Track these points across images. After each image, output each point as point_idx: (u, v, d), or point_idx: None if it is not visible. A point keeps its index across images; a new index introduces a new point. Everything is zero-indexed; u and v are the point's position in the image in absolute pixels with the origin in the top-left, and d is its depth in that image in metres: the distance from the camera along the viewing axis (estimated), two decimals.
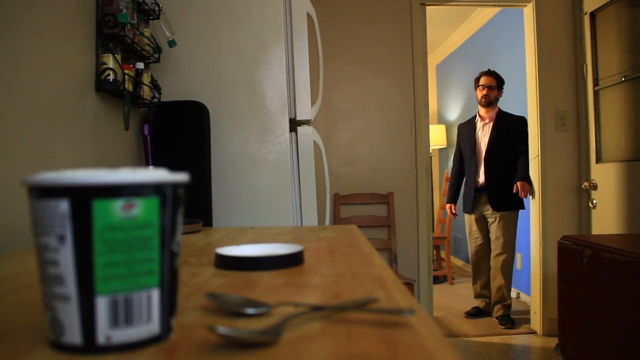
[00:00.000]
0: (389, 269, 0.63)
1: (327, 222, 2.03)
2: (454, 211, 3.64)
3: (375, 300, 0.45)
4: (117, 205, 0.33)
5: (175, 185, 0.37)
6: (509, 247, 3.30)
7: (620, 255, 1.72)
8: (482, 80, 3.44)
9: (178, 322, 0.41)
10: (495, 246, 3.32)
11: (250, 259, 0.64)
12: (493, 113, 3.41)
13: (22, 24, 1.07)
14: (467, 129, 3.55)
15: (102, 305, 0.33)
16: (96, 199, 0.33)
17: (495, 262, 3.33)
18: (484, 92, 3.40)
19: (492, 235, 3.35)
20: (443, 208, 4.89)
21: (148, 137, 1.67)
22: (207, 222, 1.64)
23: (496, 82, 3.41)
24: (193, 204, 1.60)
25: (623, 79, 2.79)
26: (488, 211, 3.33)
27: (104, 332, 0.33)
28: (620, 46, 2.85)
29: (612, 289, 1.77)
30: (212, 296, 0.44)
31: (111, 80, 1.38)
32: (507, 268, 3.32)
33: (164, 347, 0.35)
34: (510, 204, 3.27)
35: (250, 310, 0.42)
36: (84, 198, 0.33)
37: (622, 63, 2.82)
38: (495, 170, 3.31)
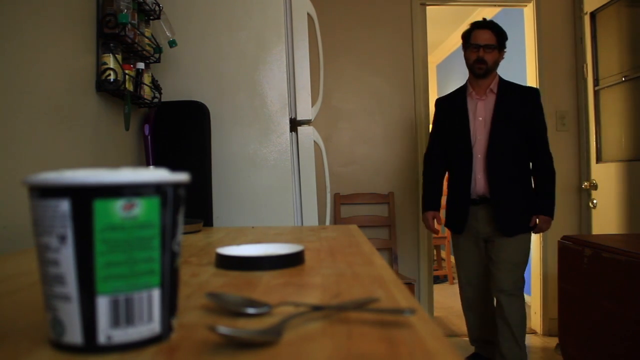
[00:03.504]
0: (389, 269, 0.63)
1: (327, 222, 2.03)
2: (438, 223, 2.49)
3: (375, 300, 0.45)
4: (118, 205, 0.33)
5: (175, 185, 0.37)
6: (521, 284, 2.30)
7: (620, 255, 1.72)
8: (476, 37, 2.26)
9: (179, 321, 0.41)
10: (503, 284, 2.26)
11: (251, 258, 0.64)
12: (493, 83, 2.27)
13: (22, 24, 1.07)
14: (452, 108, 2.35)
15: (102, 305, 0.33)
16: (97, 199, 0.33)
17: (503, 309, 2.26)
18: (479, 54, 2.23)
19: (497, 269, 2.26)
20: (443, 208, 4.88)
21: (148, 137, 1.67)
22: (208, 222, 1.64)
23: (496, 40, 2.25)
24: (193, 204, 1.60)
25: (623, 78, 2.79)
26: (489, 233, 2.28)
27: (105, 331, 0.33)
28: (620, 46, 2.85)
29: (612, 288, 1.77)
30: (212, 296, 0.44)
31: (112, 80, 1.38)
32: (522, 318, 2.29)
33: (164, 347, 0.35)
34: (524, 224, 2.27)
35: (250, 310, 0.42)
36: (84, 198, 0.33)
37: (623, 63, 2.81)
38: (501, 174, 2.22)
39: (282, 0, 1.78)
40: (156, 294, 0.35)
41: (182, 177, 0.37)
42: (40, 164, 1.13)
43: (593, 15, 3.04)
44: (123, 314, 0.34)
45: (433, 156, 2.46)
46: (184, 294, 0.51)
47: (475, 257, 2.38)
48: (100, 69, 1.38)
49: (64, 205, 0.33)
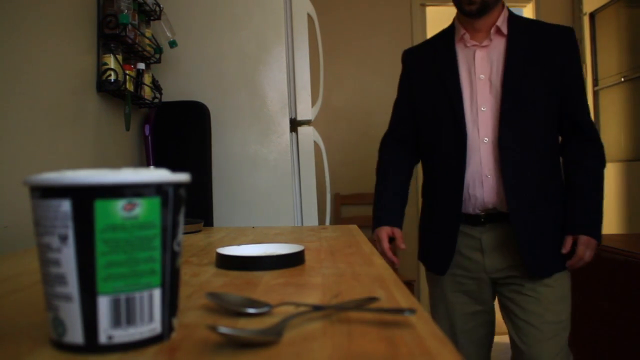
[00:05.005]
0: (389, 269, 0.63)
1: (327, 222, 2.03)
2: (398, 246, 1.48)
3: (375, 299, 0.45)
4: (119, 206, 0.33)
5: (176, 186, 0.37)
6: None
7: (620, 255, 1.72)
8: None
9: (179, 321, 0.41)
10: None
11: (251, 258, 0.64)
12: (501, 20, 1.37)
13: (23, 25, 1.08)
14: (430, 63, 1.45)
15: (104, 305, 0.33)
16: (98, 199, 0.33)
17: None
18: None
19: (527, 335, 1.34)
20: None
21: (149, 137, 1.67)
22: (208, 221, 1.64)
23: None
24: (194, 204, 1.60)
25: (622, 79, 2.79)
26: (505, 273, 1.37)
27: (106, 331, 0.34)
28: (619, 46, 2.85)
29: (612, 288, 1.77)
30: (213, 296, 0.44)
31: (112, 80, 1.38)
32: None
33: (165, 347, 0.35)
34: (562, 257, 1.34)
35: (251, 310, 0.42)
36: (85, 198, 0.33)
37: (622, 63, 2.82)
38: (526, 172, 1.32)
39: (282, 1, 1.78)
40: (157, 293, 0.35)
41: (183, 177, 0.37)
42: (41, 164, 1.14)
43: (592, 15, 3.05)
44: (124, 314, 0.34)
45: (394, 143, 1.53)
46: (185, 293, 0.51)
47: (476, 317, 1.42)
48: (101, 70, 1.38)
49: (65, 206, 0.33)
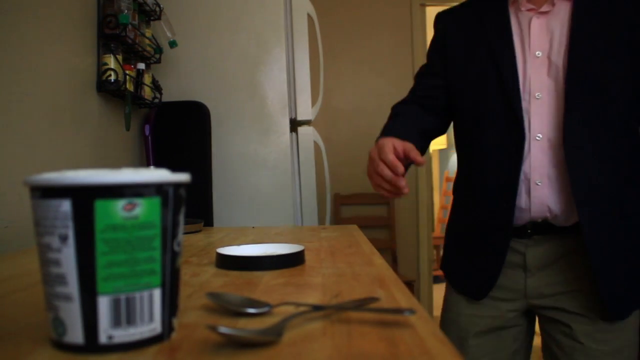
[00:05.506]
0: (389, 269, 0.63)
1: (327, 222, 2.03)
2: (413, 162, 0.95)
3: (375, 299, 0.45)
4: (119, 206, 0.33)
5: (176, 185, 0.37)
6: None
7: None
8: None
9: (179, 321, 0.41)
10: None
11: (251, 258, 0.65)
12: None
13: (23, 25, 1.08)
14: (474, 29, 1.11)
15: (104, 305, 0.33)
16: (98, 199, 0.33)
17: None
18: None
19: None
20: (444, 208, 4.88)
21: (149, 137, 1.67)
22: (208, 221, 1.64)
23: None
24: (194, 204, 1.60)
25: None
26: (549, 304, 1.04)
27: (106, 331, 0.34)
28: None
29: None
30: (213, 296, 0.44)
31: (112, 80, 1.38)
32: None
33: (165, 347, 0.35)
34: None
35: (251, 310, 0.43)
36: (86, 198, 0.33)
37: None
38: (599, 175, 0.98)
39: (282, 1, 1.78)
40: (157, 293, 0.36)
41: (183, 177, 0.37)
42: (41, 164, 1.14)
43: None
44: (124, 314, 0.34)
45: (414, 105, 1.20)
46: (185, 293, 0.51)
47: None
48: (101, 70, 1.38)
49: (65, 206, 0.33)
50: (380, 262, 0.68)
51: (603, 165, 0.98)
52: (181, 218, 0.38)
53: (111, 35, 1.39)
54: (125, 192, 0.33)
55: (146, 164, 1.69)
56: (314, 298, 0.48)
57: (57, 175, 0.34)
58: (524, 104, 1.02)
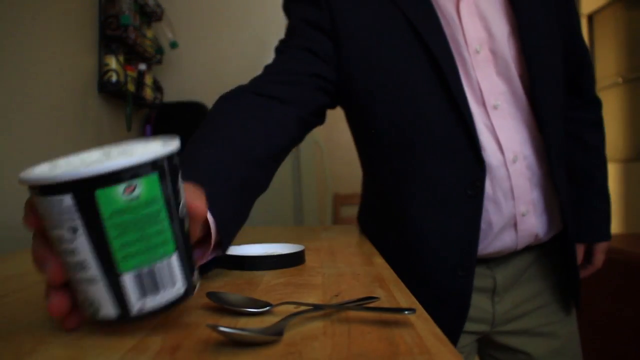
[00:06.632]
0: (389, 269, 0.63)
1: (327, 222, 2.04)
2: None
3: (375, 299, 0.45)
4: (119, 190, 0.33)
5: (169, 157, 0.37)
6: None
7: (620, 255, 1.72)
8: None
9: (180, 321, 0.41)
10: None
11: (252, 258, 0.65)
12: None
13: (25, 26, 1.08)
14: (385, 13, 0.75)
15: (128, 281, 0.35)
16: (98, 189, 0.33)
17: None
18: None
19: None
20: None
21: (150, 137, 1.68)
22: None
23: None
24: None
25: (621, 80, 2.79)
26: (510, 327, 0.87)
27: (136, 303, 0.35)
28: (618, 48, 2.85)
29: (611, 289, 1.77)
30: (213, 295, 0.44)
31: (114, 81, 1.38)
32: None
33: (166, 346, 0.35)
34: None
35: (251, 310, 0.43)
36: (86, 191, 0.33)
37: (620, 64, 2.82)
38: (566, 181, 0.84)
39: (282, 1, 1.79)
40: (174, 259, 0.37)
41: (174, 145, 0.37)
42: None
43: (590, 17, 3.05)
44: (149, 285, 0.35)
45: (255, 96, 0.76)
46: None
47: None
48: (103, 70, 1.39)
49: (67, 200, 0.33)
50: (380, 262, 0.68)
51: (565, 169, 0.86)
52: (180, 184, 0.38)
53: (112, 36, 1.39)
54: (122, 177, 0.33)
55: None
56: (314, 298, 0.49)
57: (49, 170, 0.33)
58: (481, 119, 0.77)
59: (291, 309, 0.43)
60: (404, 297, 0.49)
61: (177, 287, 0.37)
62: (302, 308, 0.42)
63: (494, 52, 0.77)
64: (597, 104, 0.97)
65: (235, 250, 0.72)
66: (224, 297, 0.45)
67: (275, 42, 0.94)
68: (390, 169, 0.82)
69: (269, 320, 0.40)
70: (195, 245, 0.49)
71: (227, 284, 0.56)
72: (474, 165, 0.75)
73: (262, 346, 0.35)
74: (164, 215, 0.36)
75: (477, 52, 0.77)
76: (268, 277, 0.59)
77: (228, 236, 0.54)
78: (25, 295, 0.53)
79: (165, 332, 0.38)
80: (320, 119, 0.84)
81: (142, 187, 0.34)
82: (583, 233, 0.95)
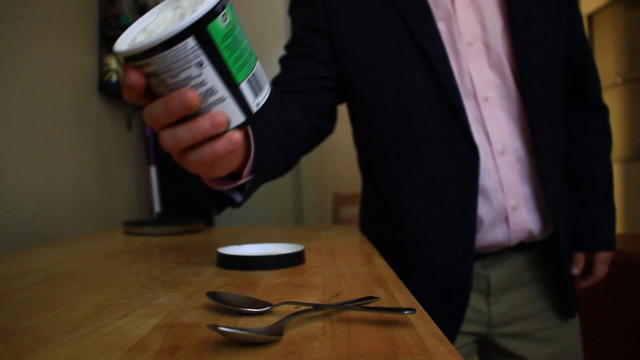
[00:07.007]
0: (389, 268, 0.63)
1: (327, 222, 2.04)
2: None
3: (375, 299, 0.45)
4: (220, 21, 0.41)
5: None
6: None
7: (620, 255, 1.72)
8: None
9: (180, 321, 0.41)
10: None
11: (252, 258, 0.65)
12: None
13: (25, 26, 1.08)
14: (378, 10, 0.81)
15: (245, 88, 0.44)
16: (209, 25, 0.40)
17: None
18: None
19: None
20: None
21: (150, 137, 1.68)
22: (209, 221, 1.65)
23: None
24: (195, 204, 1.60)
25: (621, 80, 2.79)
26: (509, 329, 0.88)
27: (253, 103, 0.45)
28: (617, 48, 2.86)
29: (611, 289, 1.77)
30: (213, 295, 0.45)
31: (114, 81, 1.38)
32: None
33: (166, 346, 0.35)
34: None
35: (251, 309, 0.43)
36: (201, 28, 0.39)
37: (620, 65, 2.82)
38: (563, 187, 0.88)
39: (282, 1, 1.79)
40: (259, 64, 0.46)
41: None
42: (43, 165, 1.14)
43: (590, 17, 3.05)
44: (256, 86, 0.45)
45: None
46: (186, 293, 0.52)
47: None
48: (103, 71, 1.39)
49: (191, 42, 0.39)
50: (380, 262, 0.68)
51: (563, 172, 0.88)
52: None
53: (113, 36, 1.39)
54: (218, 10, 0.40)
55: (147, 164, 1.69)
56: (314, 297, 0.49)
57: (169, 23, 0.42)
58: (471, 110, 0.79)
59: (291, 308, 0.43)
60: (403, 297, 0.49)
61: (266, 87, 0.47)
62: (302, 308, 0.42)
63: (487, 45, 0.80)
64: (603, 111, 0.97)
65: (236, 250, 0.72)
66: (224, 297, 0.45)
67: (275, 43, 0.94)
68: (386, 159, 0.85)
69: (269, 320, 0.40)
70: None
71: (227, 284, 0.56)
72: (466, 151, 0.78)
73: (262, 346, 0.35)
74: (242, 31, 0.45)
75: (470, 44, 0.80)
76: (268, 277, 0.59)
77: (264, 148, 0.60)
78: (25, 295, 0.53)
79: (165, 332, 0.38)
80: (330, 124, 0.91)
81: (229, 14, 0.42)
82: (582, 241, 0.94)
